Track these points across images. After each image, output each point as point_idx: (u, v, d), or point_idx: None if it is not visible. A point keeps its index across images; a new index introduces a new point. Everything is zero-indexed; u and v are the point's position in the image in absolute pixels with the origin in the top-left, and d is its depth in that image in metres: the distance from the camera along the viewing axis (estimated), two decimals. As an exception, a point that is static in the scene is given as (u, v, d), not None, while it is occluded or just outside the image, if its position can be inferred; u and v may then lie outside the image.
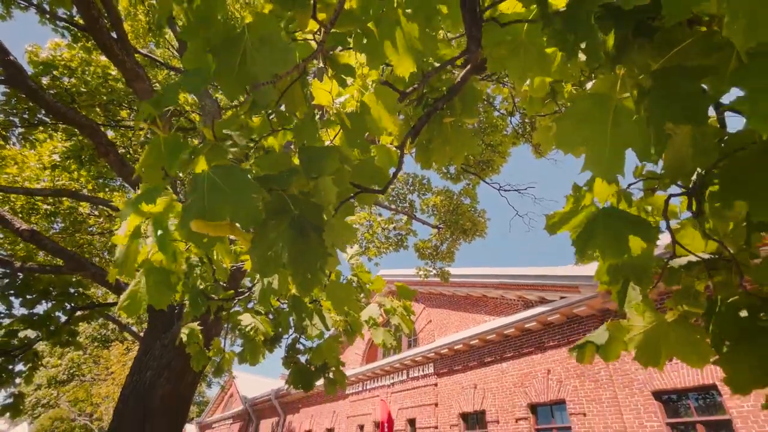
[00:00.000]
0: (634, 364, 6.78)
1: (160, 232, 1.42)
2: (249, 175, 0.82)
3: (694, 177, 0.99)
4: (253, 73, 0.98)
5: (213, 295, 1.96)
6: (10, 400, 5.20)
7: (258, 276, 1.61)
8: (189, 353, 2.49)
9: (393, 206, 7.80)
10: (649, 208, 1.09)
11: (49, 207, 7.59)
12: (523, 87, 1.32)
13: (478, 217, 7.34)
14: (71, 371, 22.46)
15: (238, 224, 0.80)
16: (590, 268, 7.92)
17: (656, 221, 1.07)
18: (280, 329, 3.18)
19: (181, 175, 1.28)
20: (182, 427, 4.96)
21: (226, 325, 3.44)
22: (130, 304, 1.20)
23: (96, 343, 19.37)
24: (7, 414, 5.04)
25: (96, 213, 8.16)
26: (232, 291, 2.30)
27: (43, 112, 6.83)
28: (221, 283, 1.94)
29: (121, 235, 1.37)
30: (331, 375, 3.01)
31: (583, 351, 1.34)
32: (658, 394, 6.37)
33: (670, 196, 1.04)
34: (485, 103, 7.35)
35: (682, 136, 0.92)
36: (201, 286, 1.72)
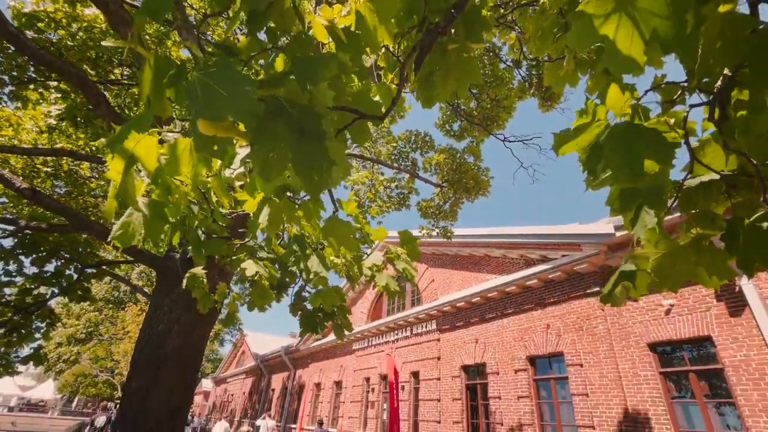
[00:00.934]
0: (631, 318, 6.94)
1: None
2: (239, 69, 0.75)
3: (719, 83, 0.91)
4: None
5: (213, 235, 1.95)
6: (32, 352, 5.47)
7: (253, 216, 1.58)
8: (195, 298, 2.54)
9: (395, 165, 7.67)
10: (672, 121, 1.01)
11: (49, 169, 7.54)
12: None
13: (482, 176, 7.23)
14: (89, 330, 23.56)
15: (238, 122, 0.74)
16: (592, 227, 7.89)
17: (674, 137, 1.00)
18: (287, 279, 3.24)
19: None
20: (195, 378, 5.21)
21: (235, 276, 3.50)
22: (122, 234, 1.17)
23: (110, 305, 20.13)
24: (31, 363, 5.32)
25: (96, 176, 8.12)
26: (232, 237, 2.30)
27: (33, 69, 6.61)
28: (220, 224, 1.92)
29: (114, 171, 1.32)
30: (338, 322, 3.10)
31: (615, 294, 1.31)
32: (653, 346, 6.56)
33: (691, 106, 0.96)
34: (490, 54, 6.98)
35: (709, 28, 0.83)
36: (197, 223, 1.70)
